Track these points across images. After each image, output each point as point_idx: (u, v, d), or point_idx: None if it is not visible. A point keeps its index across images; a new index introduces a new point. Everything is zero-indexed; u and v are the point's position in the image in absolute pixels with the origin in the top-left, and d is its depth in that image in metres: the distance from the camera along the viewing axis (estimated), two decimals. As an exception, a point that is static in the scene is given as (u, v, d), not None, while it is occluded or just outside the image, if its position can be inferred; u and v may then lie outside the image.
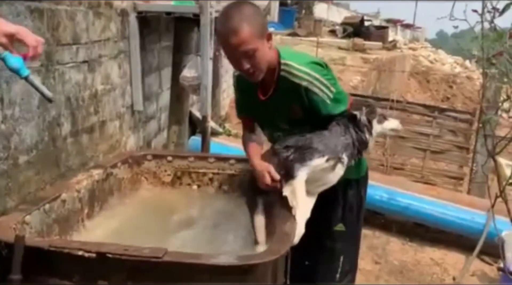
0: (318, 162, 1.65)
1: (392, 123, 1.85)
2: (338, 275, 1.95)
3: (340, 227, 1.93)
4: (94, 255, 1.47)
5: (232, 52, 1.65)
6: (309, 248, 1.82)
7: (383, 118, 1.81)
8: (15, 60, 1.47)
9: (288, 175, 1.65)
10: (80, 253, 1.48)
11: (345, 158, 1.70)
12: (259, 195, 1.79)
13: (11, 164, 1.78)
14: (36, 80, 1.55)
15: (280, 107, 1.76)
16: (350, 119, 1.74)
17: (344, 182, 1.83)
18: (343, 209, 1.93)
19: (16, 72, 1.50)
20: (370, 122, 1.76)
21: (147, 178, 2.71)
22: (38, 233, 1.78)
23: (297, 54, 1.85)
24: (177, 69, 3.15)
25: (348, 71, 7.14)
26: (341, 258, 1.94)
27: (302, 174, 1.64)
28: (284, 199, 1.68)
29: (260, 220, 1.80)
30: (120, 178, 2.54)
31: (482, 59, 2.03)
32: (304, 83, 1.67)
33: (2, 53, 1.48)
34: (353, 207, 1.94)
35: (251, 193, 1.84)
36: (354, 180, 1.94)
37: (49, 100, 1.58)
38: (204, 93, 2.90)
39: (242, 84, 1.84)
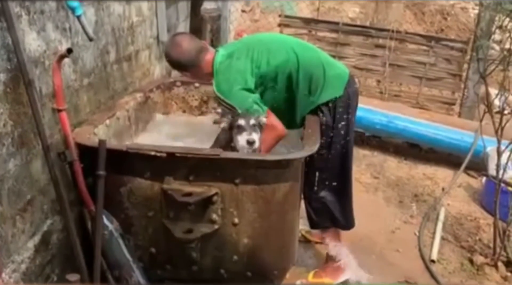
0: None
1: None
2: (316, 187, 2.33)
3: None
4: (164, 154, 1.83)
5: None
6: None
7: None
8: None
9: None
10: (152, 153, 1.83)
11: None
12: None
13: (79, 85, 2.09)
14: (85, 21, 1.91)
15: None
16: None
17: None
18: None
19: (72, 10, 1.86)
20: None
21: (176, 102, 3.05)
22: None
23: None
24: (196, 2, 3.37)
25: (347, 2, 7.23)
26: (317, 173, 2.31)
27: None
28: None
29: None
30: (156, 101, 2.87)
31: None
32: None
33: None
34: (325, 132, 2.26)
35: None
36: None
37: (90, 39, 1.98)
38: (224, 23, 3.15)
39: None
